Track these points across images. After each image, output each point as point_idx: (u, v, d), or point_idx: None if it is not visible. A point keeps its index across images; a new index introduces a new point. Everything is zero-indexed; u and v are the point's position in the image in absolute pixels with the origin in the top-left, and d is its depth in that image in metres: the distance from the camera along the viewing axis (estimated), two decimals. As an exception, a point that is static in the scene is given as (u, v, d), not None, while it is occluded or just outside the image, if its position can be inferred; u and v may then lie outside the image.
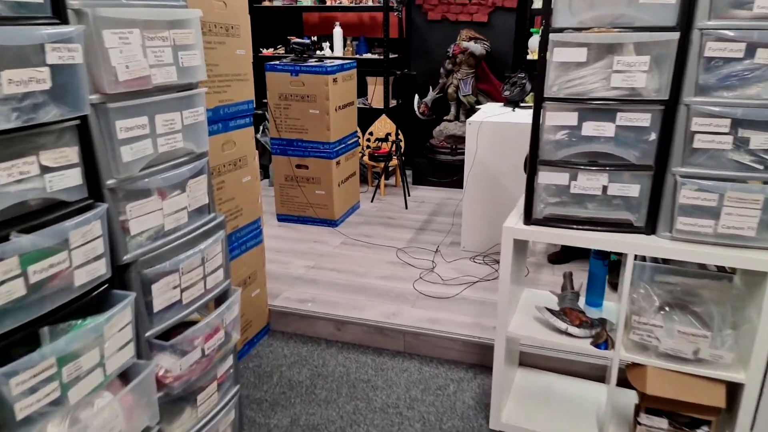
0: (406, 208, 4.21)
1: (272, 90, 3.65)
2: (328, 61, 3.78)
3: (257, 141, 4.83)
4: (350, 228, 3.80)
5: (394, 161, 4.56)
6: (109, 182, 1.35)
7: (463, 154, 4.66)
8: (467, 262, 3.23)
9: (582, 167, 1.71)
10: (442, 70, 4.77)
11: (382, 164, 4.50)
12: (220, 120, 2.21)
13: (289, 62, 3.64)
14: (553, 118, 1.70)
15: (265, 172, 4.98)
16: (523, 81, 3.57)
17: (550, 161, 1.75)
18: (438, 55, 4.88)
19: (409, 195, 4.39)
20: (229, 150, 2.29)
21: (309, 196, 3.78)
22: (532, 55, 4.40)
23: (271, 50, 5.17)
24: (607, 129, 1.66)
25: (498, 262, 3.21)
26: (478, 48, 4.48)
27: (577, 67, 1.64)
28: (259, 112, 4.83)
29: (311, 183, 3.76)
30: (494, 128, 3.15)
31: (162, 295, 1.51)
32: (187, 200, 1.60)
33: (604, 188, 1.72)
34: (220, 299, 1.81)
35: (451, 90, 4.70)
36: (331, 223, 3.80)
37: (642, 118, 1.63)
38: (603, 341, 1.79)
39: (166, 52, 1.44)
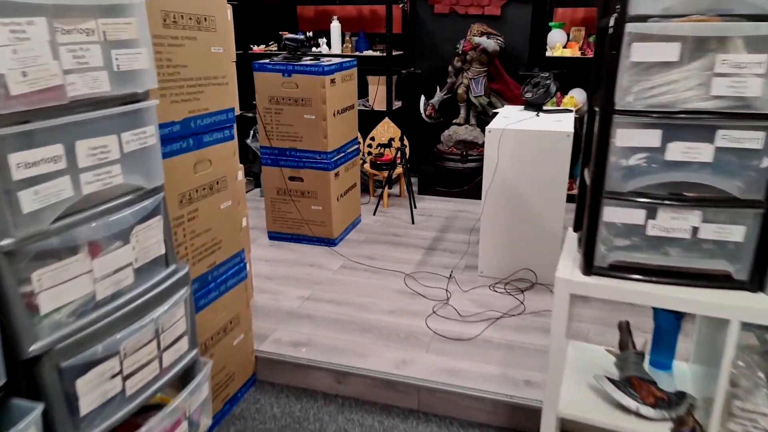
0: (413, 223, 3.78)
1: (261, 92, 3.22)
2: (325, 59, 3.35)
3: (248, 147, 4.40)
4: (351, 248, 3.36)
5: (399, 169, 4.13)
6: (4, 243, 0.92)
7: (474, 161, 4.24)
8: (486, 291, 2.80)
9: (665, 202, 1.29)
10: (450, 69, 4.34)
11: (385, 173, 4.07)
12: (190, 134, 1.78)
13: (281, 61, 3.20)
14: (627, 137, 1.27)
15: (256, 181, 4.55)
16: (547, 82, 3.14)
17: (620, 194, 1.32)
18: (446, 52, 4.44)
19: (415, 207, 3.96)
20: (204, 171, 1.85)
21: (304, 212, 3.34)
22: (552, 52, 3.96)
23: (262, 47, 4.73)
24: (702, 152, 1.23)
25: (522, 291, 2.80)
26: (491, 44, 4.05)
27: (663, 69, 1.21)
28: (250, 115, 4.40)
29: (306, 197, 3.32)
30: (518, 137, 2.72)
31: (93, 391, 1.08)
32: (133, 254, 1.17)
33: (695, 230, 1.29)
34: (186, 374, 1.38)
35: (461, 90, 4.26)
36: (330, 243, 3.37)
37: (752, 138, 1.20)
38: (689, 429, 1.36)
39: (92, 51, 1.01)
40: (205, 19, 1.79)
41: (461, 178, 4.25)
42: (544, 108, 3.21)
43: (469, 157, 4.22)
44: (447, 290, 2.81)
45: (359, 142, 3.82)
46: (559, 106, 3.85)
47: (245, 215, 2.52)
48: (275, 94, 3.18)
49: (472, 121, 4.37)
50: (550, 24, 3.95)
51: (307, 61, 3.22)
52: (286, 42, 3.32)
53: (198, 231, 1.85)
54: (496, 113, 3.28)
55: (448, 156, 4.28)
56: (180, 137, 1.73)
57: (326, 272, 3.04)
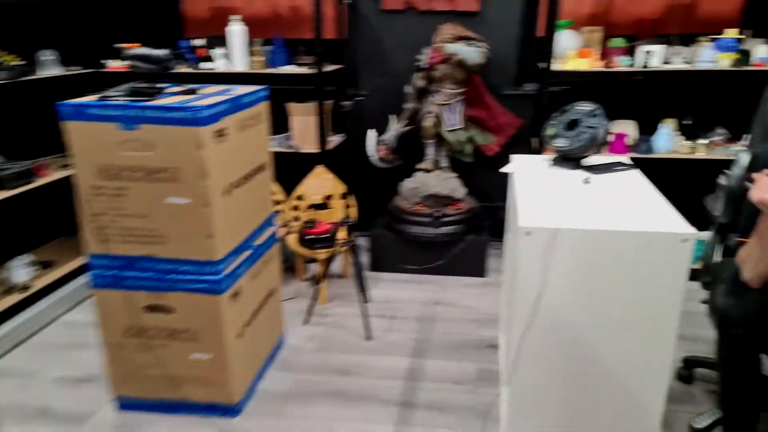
0: (370, 338, 2.40)
1: (83, 159, 1.73)
2: (209, 93, 1.90)
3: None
4: (267, 418, 1.94)
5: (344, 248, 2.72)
6: None
7: (452, 223, 2.91)
8: None
9: None
10: (409, 90, 2.97)
11: (321, 253, 2.65)
12: None
13: (120, 99, 1.73)
14: None
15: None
16: (593, 120, 1.84)
17: None
18: (401, 66, 3.08)
19: (368, 301, 2.58)
20: None
21: (175, 364, 1.88)
22: (561, 63, 2.68)
23: (126, 63, 3.18)
24: None
25: None
26: (472, 53, 2.71)
27: None
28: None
29: (180, 340, 1.86)
30: (584, 242, 1.39)
31: None
32: None
33: None
34: None
35: (428, 123, 2.90)
36: (227, 412, 1.93)
37: None
38: None
39: None
40: None
41: (432, 249, 2.90)
42: (586, 163, 1.91)
43: (444, 219, 2.88)
44: None
45: (280, 205, 2.40)
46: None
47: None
48: (109, 161, 1.70)
49: (444, 163, 3.03)
50: (558, 23, 2.65)
51: (170, 98, 1.76)
52: (134, 62, 1.85)
53: None
54: (506, 168, 1.95)
55: (412, 218, 2.92)
56: None
57: (220, 498, 1.60)
